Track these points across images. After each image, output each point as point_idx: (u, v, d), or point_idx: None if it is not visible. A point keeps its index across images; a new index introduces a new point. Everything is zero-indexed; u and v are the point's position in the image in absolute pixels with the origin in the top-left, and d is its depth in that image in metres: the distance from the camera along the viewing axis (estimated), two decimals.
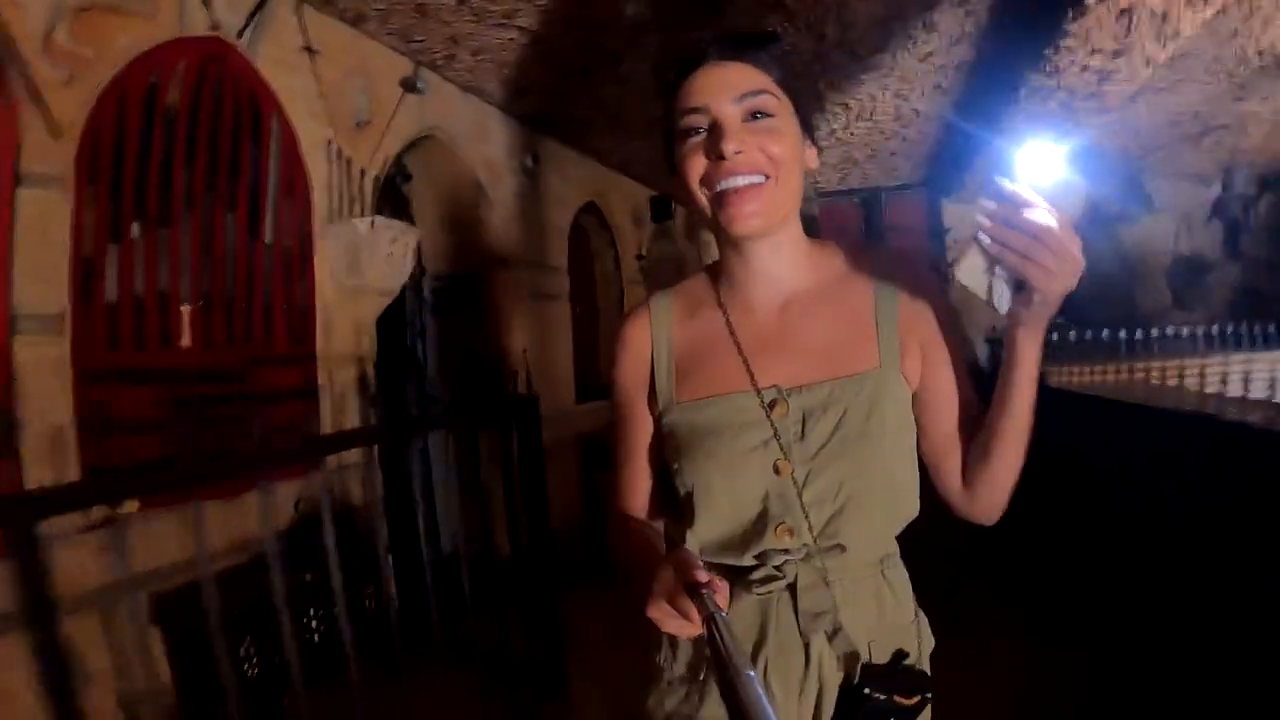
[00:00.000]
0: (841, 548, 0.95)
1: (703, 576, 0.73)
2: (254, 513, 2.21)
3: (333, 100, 3.19)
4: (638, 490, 1.08)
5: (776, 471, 0.94)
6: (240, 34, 2.75)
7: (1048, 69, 3.17)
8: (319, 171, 3.15)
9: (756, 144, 0.92)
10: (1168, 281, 6.64)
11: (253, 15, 2.76)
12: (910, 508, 1.01)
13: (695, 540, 0.98)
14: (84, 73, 2.28)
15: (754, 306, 1.02)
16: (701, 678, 0.98)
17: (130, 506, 2.19)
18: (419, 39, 3.41)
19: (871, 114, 4.71)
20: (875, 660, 0.95)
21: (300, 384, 3.01)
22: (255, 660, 2.53)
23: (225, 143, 2.73)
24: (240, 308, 2.79)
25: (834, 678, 0.94)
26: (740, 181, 0.92)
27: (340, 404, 3.18)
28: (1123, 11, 2.68)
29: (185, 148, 2.58)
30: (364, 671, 2.36)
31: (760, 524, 0.95)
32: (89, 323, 2.29)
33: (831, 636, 0.94)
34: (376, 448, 2.97)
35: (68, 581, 2.02)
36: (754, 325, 1.01)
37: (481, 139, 4.27)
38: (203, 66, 2.61)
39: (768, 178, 0.93)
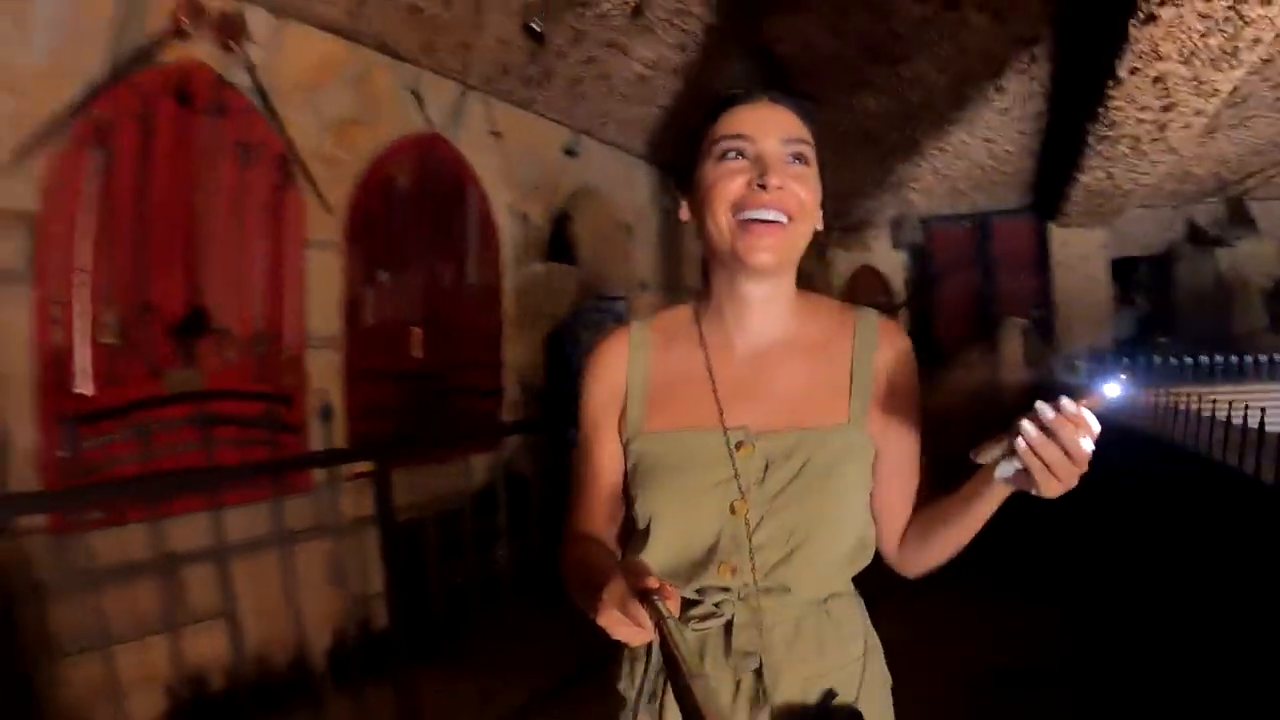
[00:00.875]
0: (785, 590, 0.96)
1: (653, 583, 0.73)
2: (457, 476, 3.20)
3: (513, 170, 4.19)
4: (595, 514, 1.07)
5: (732, 511, 0.95)
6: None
7: (1107, 122, 3.33)
8: (505, 226, 4.19)
9: (793, 185, 0.94)
10: (1266, 305, 6.27)
11: (454, 112, 3.80)
12: (864, 555, 1.02)
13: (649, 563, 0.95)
14: (343, 168, 3.36)
15: (735, 346, 1.03)
16: (661, 701, 0.98)
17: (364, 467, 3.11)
18: (577, 114, 4.33)
19: (966, 155, 5.10)
20: (805, 698, 0.96)
21: (490, 385, 4.06)
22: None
23: (440, 210, 3.80)
24: (451, 328, 3.85)
25: (763, 717, 0.95)
26: (768, 215, 0.93)
27: (516, 400, 4.19)
28: (1156, 79, 2.79)
29: (414, 216, 3.66)
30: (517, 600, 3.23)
31: (706, 559, 0.96)
32: (354, 339, 3.37)
33: (759, 676, 0.94)
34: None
35: (344, 512, 3.04)
36: (732, 366, 1.02)
37: (628, 187, 5.20)
38: (421, 154, 3.67)
39: (790, 220, 0.94)
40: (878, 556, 1.06)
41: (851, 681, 0.99)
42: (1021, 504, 0.93)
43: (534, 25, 2.96)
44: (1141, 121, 3.27)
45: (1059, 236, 6.20)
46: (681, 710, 0.62)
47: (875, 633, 1.07)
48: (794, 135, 0.97)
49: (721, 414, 0.98)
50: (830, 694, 0.97)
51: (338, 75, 3.25)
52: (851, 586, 1.06)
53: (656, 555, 0.97)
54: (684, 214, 1.07)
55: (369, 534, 2.92)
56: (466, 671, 3.08)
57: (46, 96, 2.48)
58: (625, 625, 0.74)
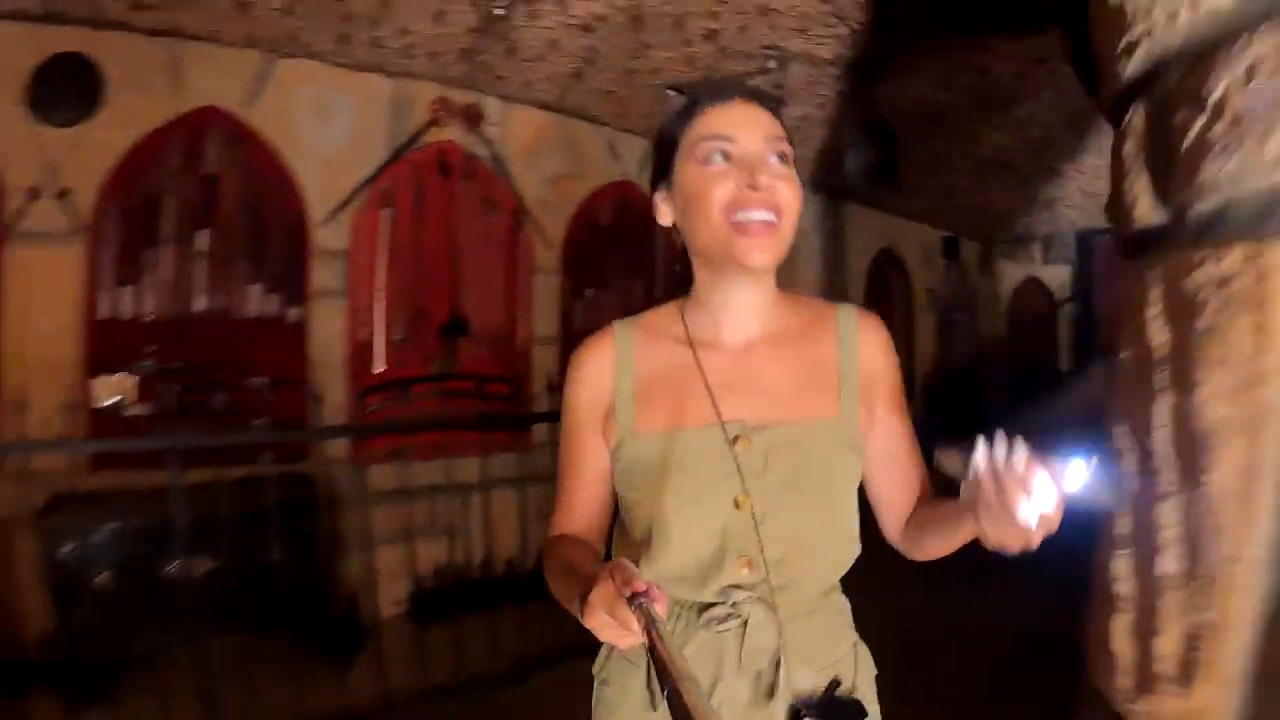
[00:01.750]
0: (796, 583, 0.97)
1: (640, 585, 0.72)
2: None
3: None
4: (579, 516, 1.06)
5: (736, 505, 0.94)
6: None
7: None
8: None
9: (780, 184, 0.94)
10: None
11: (644, 162, 4.69)
12: (854, 549, 1.03)
13: (651, 571, 0.96)
14: (559, 212, 4.37)
15: (722, 344, 1.02)
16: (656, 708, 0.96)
17: None
18: None
19: (1103, 175, 4.89)
20: (814, 688, 0.97)
21: None
22: None
23: (633, 241, 4.66)
24: None
25: (779, 708, 0.95)
26: (761, 215, 0.92)
27: None
28: None
29: (612, 246, 4.58)
30: None
31: (719, 557, 0.95)
32: (567, 339, 4.27)
33: (776, 670, 0.95)
34: None
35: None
36: (720, 362, 1.01)
37: None
38: (618, 198, 4.61)
39: (780, 218, 0.93)
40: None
41: (848, 671, 1.02)
42: None
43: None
44: None
45: None
46: (672, 713, 0.60)
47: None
48: (774, 134, 0.96)
49: (717, 409, 0.97)
50: (835, 683, 0.99)
51: (552, 141, 4.32)
52: (839, 582, 1.07)
53: (664, 559, 0.96)
54: (664, 217, 1.05)
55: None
56: None
57: (350, 173, 3.78)
58: (613, 628, 0.73)
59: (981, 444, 0.73)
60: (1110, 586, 1.11)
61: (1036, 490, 0.71)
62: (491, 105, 4.07)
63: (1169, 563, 1.00)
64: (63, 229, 3.24)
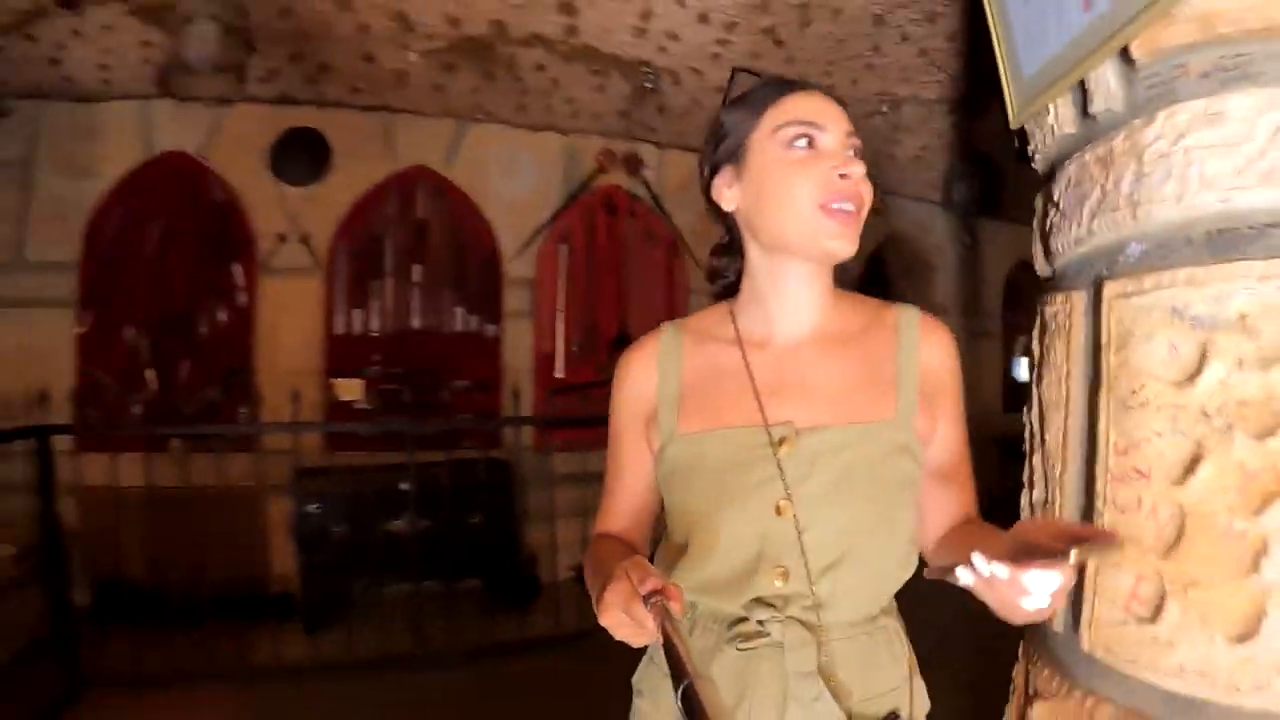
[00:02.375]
0: (836, 600, 0.90)
1: (656, 583, 0.71)
2: None
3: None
4: (620, 517, 1.04)
5: (778, 512, 0.88)
6: None
7: None
8: None
9: (862, 179, 0.91)
10: None
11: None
12: (909, 565, 0.95)
13: (685, 577, 0.93)
14: (708, 241, 4.89)
15: (773, 342, 0.98)
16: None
17: None
18: (884, 180, 5.35)
19: None
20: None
21: None
22: None
23: None
24: None
25: None
26: (848, 205, 0.89)
27: None
28: None
29: None
30: None
31: (753, 565, 0.90)
32: None
33: (816, 699, 0.88)
34: None
35: None
36: (770, 362, 0.97)
37: (928, 231, 5.91)
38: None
39: (858, 212, 0.91)
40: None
41: (903, 704, 0.94)
42: None
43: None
44: None
45: None
46: (686, 712, 0.59)
47: (913, 653, 1.00)
48: (853, 130, 0.94)
49: (763, 410, 0.92)
50: (894, 716, 0.92)
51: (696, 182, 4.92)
52: (893, 603, 0.99)
53: (698, 565, 0.92)
54: (729, 200, 1.00)
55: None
56: None
57: (533, 215, 4.55)
58: (628, 627, 0.73)
59: (961, 572, 0.69)
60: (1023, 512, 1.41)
61: (1035, 586, 0.66)
62: (648, 153, 4.76)
63: (1035, 494, 1.30)
64: (305, 265, 4.22)
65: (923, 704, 0.98)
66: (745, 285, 1.01)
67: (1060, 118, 1.27)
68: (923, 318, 0.99)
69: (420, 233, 4.44)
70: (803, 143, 0.91)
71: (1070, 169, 1.24)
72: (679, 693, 0.60)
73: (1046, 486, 1.26)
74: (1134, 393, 1.05)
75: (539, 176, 4.57)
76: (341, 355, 4.25)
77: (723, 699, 0.60)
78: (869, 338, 0.97)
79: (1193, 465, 0.98)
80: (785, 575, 0.89)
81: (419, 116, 4.33)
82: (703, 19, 3.28)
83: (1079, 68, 1.16)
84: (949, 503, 0.97)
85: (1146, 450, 1.03)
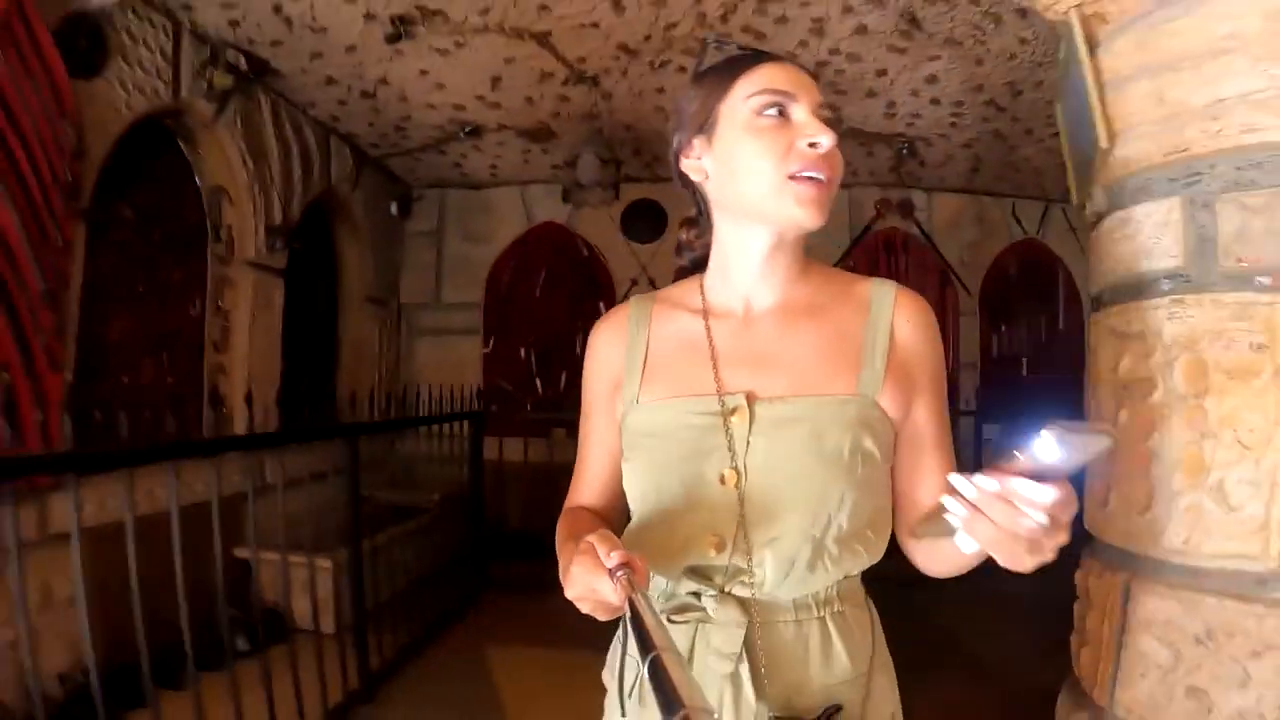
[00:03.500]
0: (769, 575, 0.86)
1: (622, 557, 0.71)
2: None
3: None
4: (589, 491, 1.04)
5: (721, 481, 0.87)
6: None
7: None
8: (1083, 288, 5.55)
9: (835, 149, 0.89)
10: None
11: (1041, 221, 5.57)
12: (872, 551, 0.90)
13: (632, 546, 0.82)
14: (975, 270, 5.53)
15: (738, 313, 0.97)
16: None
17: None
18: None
19: None
20: (798, 714, 0.85)
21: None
22: None
23: (1038, 283, 5.58)
24: (1047, 355, 5.36)
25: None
26: (818, 174, 0.88)
27: None
28: None
29: (1021, 289, 5.57)
30: None
31: (691, 533, 0.88)
32: (985, 364, 5.30)
33: (739, 681, 0.85)
34: None
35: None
36: (733, 332, 0.95)
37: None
38: (1021, 252, 5.68)
39: (829, 181, 0.89)
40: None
41: (854, 699, 0.89)
42: None
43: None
44: None
45: None
46: (652, 684, 0.56)
47: (888, 651, 0.96)
48: (823, 102, 0.91)
49: (718, 379, 0.91)
50: (834, 709, 0.87)
51: (965, 216, 5.57)
52: (861, 592, 0.96)
53: (643, 531, 0.91)
54: (700, 169, 0.97)
55: None
56: None
57: (825, 257, 5.50)
58: (591, 599, 0.73)
59: (947, 501, 0.65)
60: None
61: (1030, 497, 0.60)
62: (918, 197, 5.54)
63: None
64: None
65: (884, 704, 0.93)
66: (714, 256, 1.00)
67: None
68: (899, 290, 0.96)
69: None
70: (773, 111, 0.90)
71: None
72: (644, 666, 0.58)
73: None
74: None
75: (829, 225, 5.53)
76: None
77: (689, 673, 0.58)
78: (837, 310, 0.95)
79: (1140, 390, 1.78)
80: (720, 545, 0.86)
81: None
82: (935, 102, 4.09)
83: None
84: (926, 483, 0.92)
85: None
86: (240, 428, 3.65)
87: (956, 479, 0.64)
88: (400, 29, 3.48)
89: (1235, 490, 1.58)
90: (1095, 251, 1.95)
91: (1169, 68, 1.72)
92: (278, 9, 3.32)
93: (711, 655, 0.86)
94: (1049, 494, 0.60)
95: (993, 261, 5.65)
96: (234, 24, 3.44)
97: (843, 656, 0.89)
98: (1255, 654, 1.52)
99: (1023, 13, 3.08)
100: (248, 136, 3.96)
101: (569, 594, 0.76)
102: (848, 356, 0.91)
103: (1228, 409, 1.59)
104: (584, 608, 0.75)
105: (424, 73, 3.93)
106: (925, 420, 0.93)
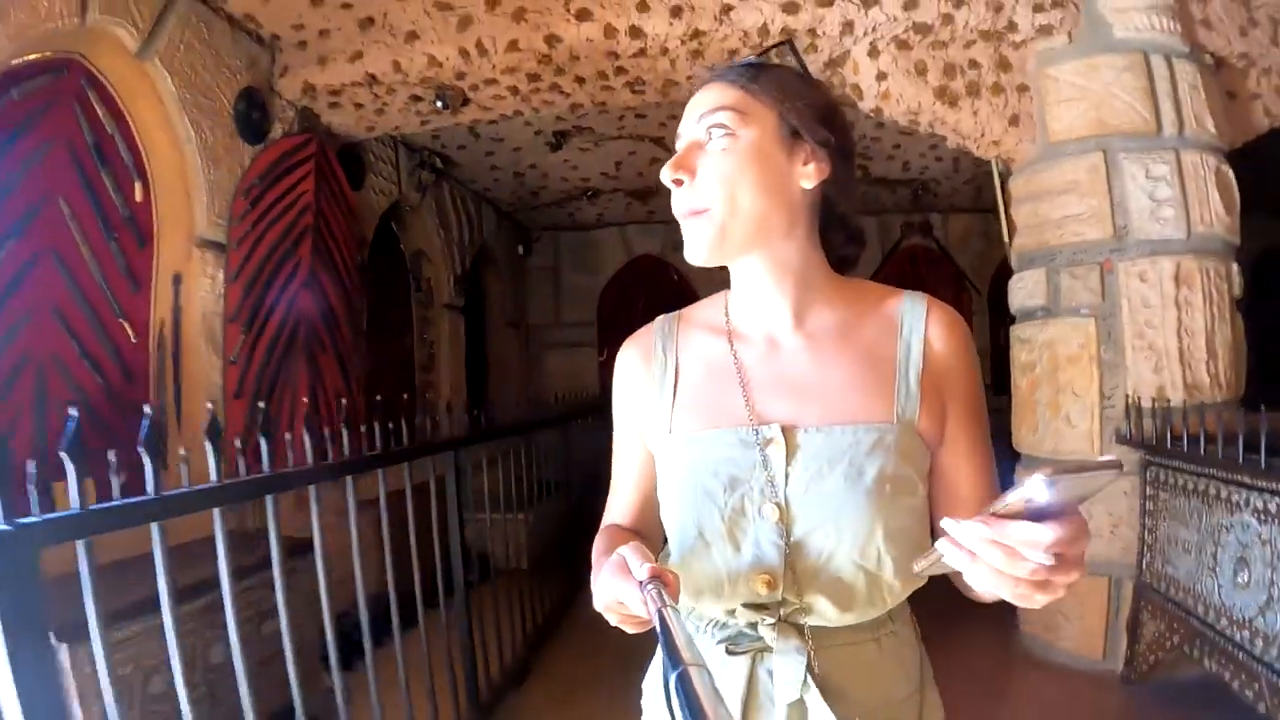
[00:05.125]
0: (826, 609, 0.84)
1: (653, 569, 0.69)
2: None
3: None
4: (624, 510, 1.01)
5: (763, 516, 0.83)
6: None
7: None
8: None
9: (705, 170, 0.84)
10: None
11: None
12: (912, 573, 0.79)
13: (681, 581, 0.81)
14: (984, 273, 6.96)
15: (761, 337, 0.92)
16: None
17: None
18: None
19: None
20: None
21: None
22: None
23: None
24: None
25: None
26: (681, 208, 0.85)
27: None
28: None
29: None
30: None
31: (739, 571, 0.84)
32: (994, 353, 6.76)
33: (806, 708, 0.83)
34: None
35: None
36: (760, 357, 0.91)
37: None
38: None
39: (709, 208, 0.84)
40: None
41: (908, 718, 0.90)
42: None
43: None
44: None
45: None
46: (680, 699, 0.54)
47: (930, 663, 0.96)
48: (708, 108, 0.85)
49: (751, 410, 0.87)
50: None
51: (973, 230, 7.02)
52: (908, 609, 0.94)
53: (688, 569, 0.87)
54: None
55: None
56: None
57: (861, 272, 7.02)
58: (619, 611, 0.72)
59: (941, 545, 0.62)
60: None
61: (1021, 539, 0.57)
62: (935, 218, 7.00)
63: None
64: None
65: (935, 718, 0.93)
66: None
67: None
68: (931, 305, 0.89)
69: None
70: (682, 146, 0.87)
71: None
72: (674, 679, 0.56)
73: None
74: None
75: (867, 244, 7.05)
76: None
77: (716, 686, 0.54)
78: (868, 329, 0.89)
79: (1030, 368, 3.33)
80: (771, 584, 0.83)
81: None
82: (939, 159, 5.56)
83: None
84: (962, 508, 0.86)
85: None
86: (445, 430, 5.27)
87: (949, 524, 0.61)
88: (559, 140, 5.08)
89: (1075, 419, 3.11)
90: (1010, 293, 3.46)
91: (1038, 198, 3.25)
92: (471, 128, 4.87)
93: (775, 684, 0.84)
94: (1048, 534, 0.56)
95: (998, 267, 6.97)
96: (435, 136, 5.04)
97: (898, 676, 0.89)
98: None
99: None
100: (439, 212, 5.60)
101: (597, 605, 0.75)
102: (881, 379, 0.86)
103: (1068, 377, 3.11)
104: (612, 619, 0.75)
105: (565, 161, 5.54)
106: (961, 445, 0.88)
